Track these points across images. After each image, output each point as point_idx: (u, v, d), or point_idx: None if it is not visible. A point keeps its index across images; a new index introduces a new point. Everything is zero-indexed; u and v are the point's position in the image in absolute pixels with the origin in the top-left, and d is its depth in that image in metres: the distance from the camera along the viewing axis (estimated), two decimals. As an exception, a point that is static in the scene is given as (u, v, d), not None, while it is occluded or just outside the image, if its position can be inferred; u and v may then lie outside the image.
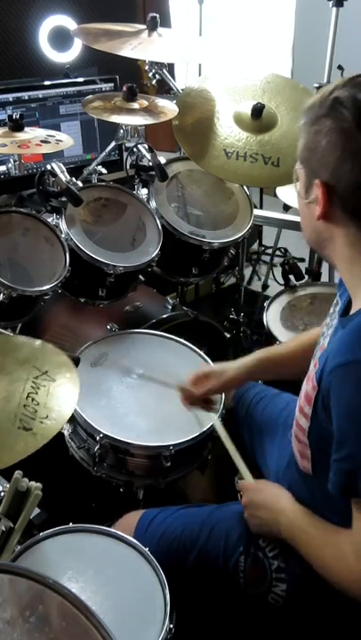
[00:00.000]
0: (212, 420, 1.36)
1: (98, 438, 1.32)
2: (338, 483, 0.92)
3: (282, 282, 1.94)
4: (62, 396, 1.04)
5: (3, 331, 1.34)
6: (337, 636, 1.08)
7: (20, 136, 1.53)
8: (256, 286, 3.15)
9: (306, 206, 0.98)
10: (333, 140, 0.89)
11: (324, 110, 0.91)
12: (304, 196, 0.97)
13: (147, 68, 1.99)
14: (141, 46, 1.77)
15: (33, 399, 1.01)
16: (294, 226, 2.35)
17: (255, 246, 3.30)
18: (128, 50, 1.72)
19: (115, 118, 1.65)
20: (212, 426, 1.37)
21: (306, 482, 1.07)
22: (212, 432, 1.38)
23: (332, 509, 1.00)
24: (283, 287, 1.98)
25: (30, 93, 1.98)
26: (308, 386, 1.01)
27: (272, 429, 1.37)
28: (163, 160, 1.76)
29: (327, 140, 0.90)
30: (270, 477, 1.26)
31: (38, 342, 1.17)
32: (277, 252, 3.09)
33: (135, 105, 1.71)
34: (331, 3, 2.15)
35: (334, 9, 2.16)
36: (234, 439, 1.28)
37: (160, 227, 1.72)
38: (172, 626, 0.96)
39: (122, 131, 1.78)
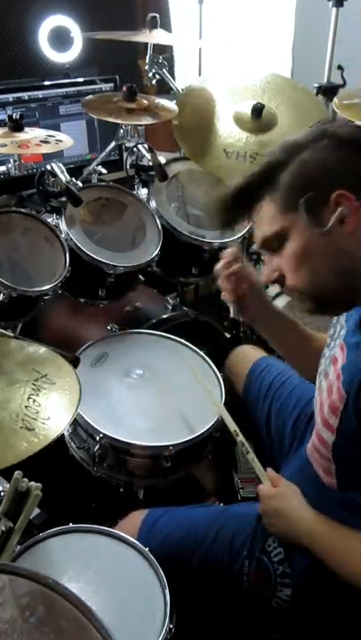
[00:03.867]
0: (219, 412, 1.33)
1: (98, 438, 1.32)
2: None
3: (282, 282, 1.95)
4: (63, 400, 1.04)
5: (3, 331, 1.34)
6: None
7: (20, 136, 1.52)
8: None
9: (319, 239, 0.92)
10: (335, 151, 0.90)
11: (309, 140, 0.93)
12: (315, 227, 0.91)
13: (147, 68, 1.99)
14: (143, 36, 1.77)
15: (34, 400, 1.01)
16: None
17: (255, 246, 3.30)
18: (129, 37, 1.71)
19: (115, 118, 1.65)
20: (212, 426, 1.37)
21: (327, 495, 1.06)
22: (212, 432, 1.38)
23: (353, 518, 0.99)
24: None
25: (30, 93, 1.98)
26: (333, 397, 0.97)
27: (294, 420, 1.36)
28: (163, 160, 1.76)
29: (328, 153, 0.91)
30: (285, 461, 1.26)
31: (38, 345, 1.17)
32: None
33: (135, 105, 1.71)
34: (331, 3, 2.16)
35: (334, 9, 2.16)
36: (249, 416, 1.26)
37: (160, 227, 1.71)
38: (172, 626, 0.96)
39: (122, 131, 1.78)
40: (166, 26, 2.95)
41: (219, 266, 1.25)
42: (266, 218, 0.97)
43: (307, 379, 1.31)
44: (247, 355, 1.58)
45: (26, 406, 0.99)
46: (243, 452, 1.21)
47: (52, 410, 1.00)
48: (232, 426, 1.26)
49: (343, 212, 0.89)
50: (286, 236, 0.95)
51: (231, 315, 1.26)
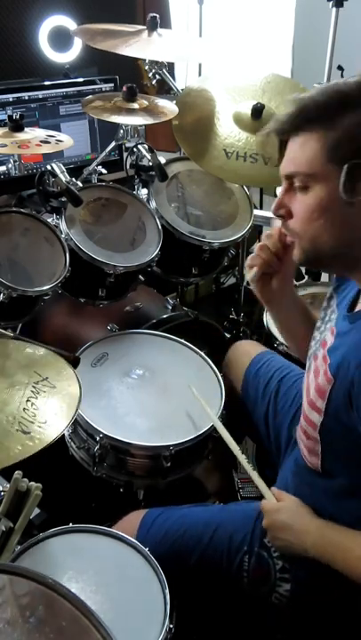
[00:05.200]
0: (211, 421, 1.34)
1: (98, 438, 1.32)
2: None
3: (282, 282, 1.95)
4: (62, 404, 1.04)
5: (3, 331, 1.34)
6: (340, 637, 1.08)
7: (20, 136, 1.52)
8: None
9: (342, 205, 0.90)
10: None
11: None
12: (347, 195, 0.88)
13: (146, 68, 1.99)
14: (141, 45, 1.77)
15: (33, 403, 1.01)
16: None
17: (255, 246, 3.30)
18: (127, 48, 1.71)
19: (115, 118, 1.65)
20: (212, 426, 1.37)
21: (314, 482, 1.07)
22: (212, 432, 1.38)
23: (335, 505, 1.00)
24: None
25: (30, 93, 1.98)
26: (320, 379, 0.99)
27: (293, 415, 1.35)
28: (163, 160, 1.76)
29: None
30: (283, 464, 1.25)
31: (40, 347, 1.17)
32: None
33: (135, 105, 1.71)
34: (331, 3, 2.15)
35: (334, 9, 2.16)
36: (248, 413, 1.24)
37: (160, 227, 1.72)
38: (172, 626, 0.96)
39: (122, 131, 1.77)
40: (166, 26, 2.95)
41: (265, 234, 1.21)
42: (306, 152, 0.91)
43: (301, 357, 1.31)
44: (246, 350, 1.58)
45: (24, 409, 0.99)
46: (244, 469, 1.20)
47: (49, 414, 1.00)
48: (233, 446, 1.25)
49: None
50: (315, 183, 0.92)
51: (246, 278, 1.23)
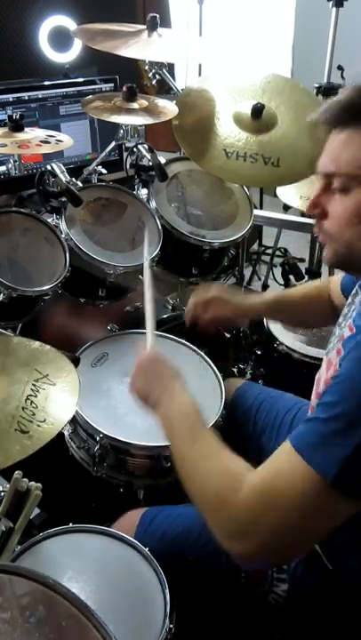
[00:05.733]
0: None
1: (98, 438, 1.32)
2: (299, 433, 0.84)
3: (282, 282, 1.95)
4: (61, 401, 1.04)
5: (3, 331, 1.34)
6: (338, 637, 1.08)
7: (20, 136, 1.52)
8: (256, 286, 3.15)
9: None
10: None
11: None
12: None
13: (147, 68, 1.99)
14: (141, 46, 1.77)
15: (32, 402, 1.01)
16: (294, 226, 2.36)
17: (255, 246, 3.30)
18: (127, 49, 1.71)
19: (115, 118, 1.65)
20: (212, 426, 1.37)
21: None
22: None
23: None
24: (283, 287, 1.98)
25: (30, 94, 1.98)
26: (330, 372, 0.97)
27: (277, 432, 1.36)
28: (163, 160, 1.76)
29: None
30: None
31: (41, 345, 1.17)
32: (277, 252, 3.09)
33: (135, 105, 1.71)
34: (331, 3, 2.16)
35: (334, 9, 2.16)
36: (233, 440, 1.26)
37: (160, 227, 1.72)
38: (172, 626, 0.96)
39: (122, 131, 1.78)
40: (166, 26, 2.95)
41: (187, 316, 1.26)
42: (350, 151, 0.86)
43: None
44: (227, 387, 1.54)
45: (23, 408, 0.99)
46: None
47: (48, 412, 1.00)
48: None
49: None
50: (357, 186, 0.86)
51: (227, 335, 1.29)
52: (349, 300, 1.09)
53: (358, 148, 0.85)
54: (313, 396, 1.06)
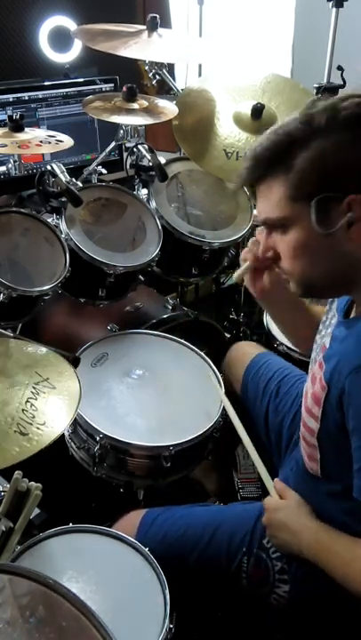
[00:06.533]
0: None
1: (98, 439, 1.32)
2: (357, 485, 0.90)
3: (282, 282, 1.95)
4: (61, 405, 1.04)
5: (3, 331, 1.34)
6: (339, 637, 1.08)
7: (20, 136, 1.53)
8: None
9: (322, 238, 0.90)
10: (356, 145, 0.86)
11: (332, 125, 0.87)
12: (322, 228, 0.89)
13: (147, 68, 1.99)
14: (141, 46, 1.77)
15: (32, 404, 1.01)
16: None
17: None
18: (127, 50, 1.72)
19: (115, 118, 1.65)
20: (212, 426, 1.37)
21: (314, 484, 1.07)
22: (212, 432, 1.38)
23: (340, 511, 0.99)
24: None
25: (30, 94, 1.98)
26: (316, 386, 0.99)
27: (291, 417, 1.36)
28: (163, 160, 1.76)
29: (350, 148, 0.86)
30: (283, 467, 1.25)
31: (41, 347, 1.17)
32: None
33: (135, 105, 1.71)
34: (331, 3, 2.16)
35: (334, 9, 2.16)
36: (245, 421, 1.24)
37: (160, 227, 1.72)
38: (172, 626, 0.96)
39: (122, 131, 1.78)
40: (166, 26, 2.95)
41: (258, 229, 1.17)
42: (273, 198, 0.93)
43: (302, 350, 1.37)
44: (245, 351, 1.57)
45: (23, 410, 0.99)
46: (249, 463, 1.19)
47: (48, 415, 1.00)
48: (243, 435, 1.23)
49: (352, 218, 0.88)
50: (290, 224, 0.93)
51: (235, 274, 1.24)
52: (328, 306, 1.10)
53: (277, 193, 0.92)
54: (303, 410, 1.05)
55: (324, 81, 2.37)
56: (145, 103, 1.73)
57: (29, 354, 1.15)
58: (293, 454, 1.20)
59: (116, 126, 1.77)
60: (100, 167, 1.82)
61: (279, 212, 0.93)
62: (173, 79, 2.14)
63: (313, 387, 1.01)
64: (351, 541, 0.96)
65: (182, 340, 1.62)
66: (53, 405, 1.03)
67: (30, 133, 1.55)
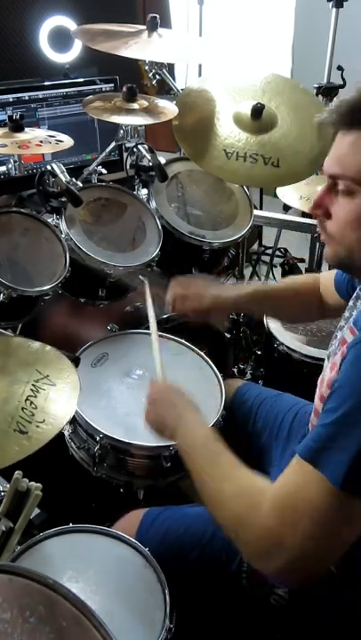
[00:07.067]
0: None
1: (98, 439, 1.32)
2: (305, 442, 0.84)
3: (282, 282, 1.95)
4: (61, 402, 1.04)
5: (3, 331, 1.34)
6: (339, 638, 1.08)
7: (20, 136, 1.53)
8: (256, 286, 3.14)
9: None
10: None
11: None
12: None
13: (147, 68, 1.99)
14: (141, 46, 1.77)
15: (32, 402, 1.01)
16: (294, 226, 2.36)
17: (255, 246, 3.30)
18: (128, 50, 1.71)
19: (115, 118, 1.65)
20: (212, 426, 1.36)
21: None
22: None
23: None
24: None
25: (30, 94, 1.98)
26: (332, 373, 0.97)
27: (277, 432, 1.36)
28: (163, 160, 1.76)
29: None
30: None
31: (42, 345, 1.17)
32: (277, 253, 3.09)
33: (135, 105, 1.71)
34: (331, 3, 2.16)
35: (334, 9, 2.16)
36: (234, 440, 1.26)
37: (160, 227, 1.72)
38: (172, 626, 0.96)
39: (122, 131, 1.78)
40: (166, 26, 2.95)
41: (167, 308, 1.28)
42: (359, 154, 0.84)
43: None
44: (227, 387, 1.54)
45: (22, 408, 0.99)
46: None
47: (47, 413, 1.00)
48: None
49: None
50: None
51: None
52: (351, 302, 1.09)
53: None
54: (316, 398, 1.06)
55: (325, 81, 2.38)
56: (145, 103, 1.73)
57: (29, 351, 1.15)
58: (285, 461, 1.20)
59: (116, 126, 1.77)
60: (100, 167, 1.82)
61: (358, 173, 0.84)
62: (173, 79, 2.14)
63: (330, 374, 0.98)
64: (234, 460, 0.93)
65: (182, 341, 1.62)
66: (53, 402, 1.03)
67: (30, 133, 1.55)
